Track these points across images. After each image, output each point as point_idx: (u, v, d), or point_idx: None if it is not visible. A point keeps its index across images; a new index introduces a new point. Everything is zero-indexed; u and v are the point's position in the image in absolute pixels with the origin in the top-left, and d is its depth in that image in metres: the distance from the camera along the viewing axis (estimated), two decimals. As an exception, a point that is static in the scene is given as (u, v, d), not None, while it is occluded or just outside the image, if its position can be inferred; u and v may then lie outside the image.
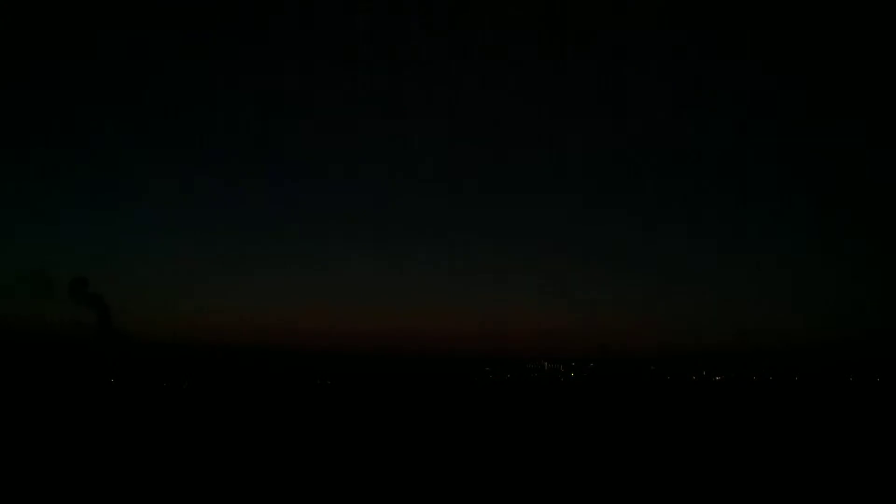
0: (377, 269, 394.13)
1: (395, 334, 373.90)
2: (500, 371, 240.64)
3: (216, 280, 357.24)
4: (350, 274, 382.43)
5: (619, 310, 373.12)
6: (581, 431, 48.34)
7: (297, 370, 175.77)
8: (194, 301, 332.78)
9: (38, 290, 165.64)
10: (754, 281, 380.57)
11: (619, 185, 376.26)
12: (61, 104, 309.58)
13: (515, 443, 40.72)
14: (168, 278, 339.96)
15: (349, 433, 45.46)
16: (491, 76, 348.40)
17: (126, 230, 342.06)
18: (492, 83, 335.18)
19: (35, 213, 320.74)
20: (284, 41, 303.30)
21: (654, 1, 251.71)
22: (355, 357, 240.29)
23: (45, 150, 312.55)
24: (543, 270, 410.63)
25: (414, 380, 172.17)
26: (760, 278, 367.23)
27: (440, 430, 47.89)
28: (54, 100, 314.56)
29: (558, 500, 24.11)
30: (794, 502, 24.05)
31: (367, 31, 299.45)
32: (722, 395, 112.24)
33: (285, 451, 36.17)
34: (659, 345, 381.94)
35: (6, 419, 48.83)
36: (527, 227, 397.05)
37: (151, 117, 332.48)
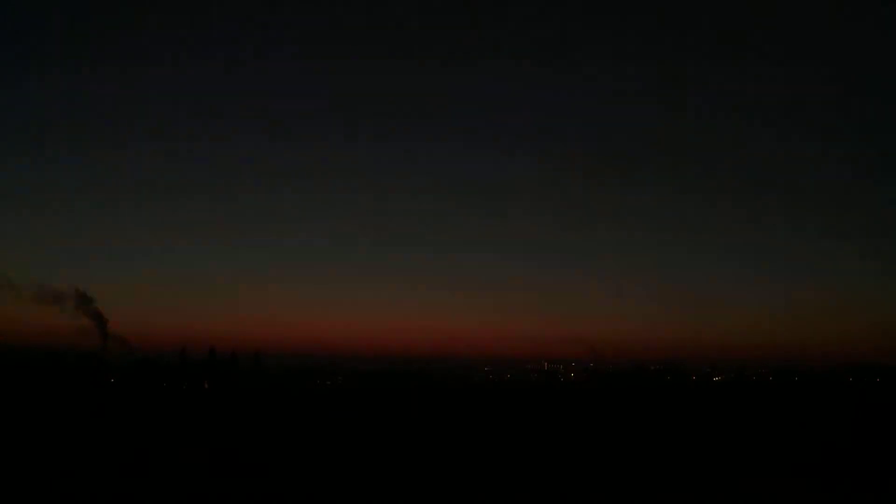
0: (376, 270, 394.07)
1: (394, 334, 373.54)
2: (499, 371, 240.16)
3: (214, 282, 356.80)
4: (348, 275, 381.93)
5: (619, 309, 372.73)
6: (582, 431, 48.27)
7: (296, 371, 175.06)
8: (192, 303, 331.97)
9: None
10: (754, 279, 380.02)
11: (618, 183, 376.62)
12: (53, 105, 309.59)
13: (517, 443, 40.66)
14: (163, 281, 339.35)
15: (350, 434, 45.37)
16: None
17: (119, 234, 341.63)
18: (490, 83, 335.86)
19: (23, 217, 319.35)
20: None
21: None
22: (354, 358, 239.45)
23: (33, 153, 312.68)
24: (543, 270, 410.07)
25: (413, 379, 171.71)
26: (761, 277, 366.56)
27: (441, 430, 47.80)
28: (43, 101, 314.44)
29: (560, 500, 24.03)
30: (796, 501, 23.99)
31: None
32: (722, 396, 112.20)
33: (287, 450, 36.09)
34: (659, 345, 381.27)
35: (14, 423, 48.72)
36: (526, 226, 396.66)
37: (147, 124, 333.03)
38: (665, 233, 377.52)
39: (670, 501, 24.23)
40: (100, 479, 26.43)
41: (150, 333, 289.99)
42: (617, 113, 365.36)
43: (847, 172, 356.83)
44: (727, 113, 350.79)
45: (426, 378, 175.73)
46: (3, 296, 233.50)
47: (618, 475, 28.18)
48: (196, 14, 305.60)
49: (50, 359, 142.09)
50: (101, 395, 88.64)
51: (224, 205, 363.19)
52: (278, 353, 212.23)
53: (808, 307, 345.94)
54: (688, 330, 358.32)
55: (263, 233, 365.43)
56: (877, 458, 33.52)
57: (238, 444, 39.38)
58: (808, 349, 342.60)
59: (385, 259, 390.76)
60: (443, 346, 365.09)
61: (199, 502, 23.53)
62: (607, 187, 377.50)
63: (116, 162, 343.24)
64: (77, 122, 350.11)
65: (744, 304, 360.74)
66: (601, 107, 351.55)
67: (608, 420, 59.36)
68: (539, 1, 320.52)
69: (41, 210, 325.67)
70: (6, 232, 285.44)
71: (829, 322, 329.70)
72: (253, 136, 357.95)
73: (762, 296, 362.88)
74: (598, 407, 77.96)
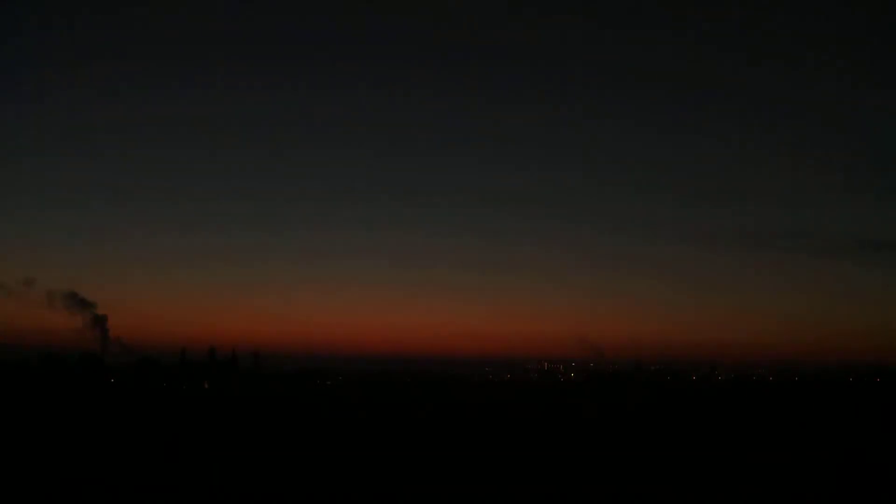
0: (376, 271, 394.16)
1: (394, 334, 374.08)
2: (499, 371, 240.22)
3: (214, 282, 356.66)
4: (348, 275, 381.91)
5: (619, 309, 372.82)
6: (582, 431, 48.28)
7: (296, 371, 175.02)
8: (192, 303, 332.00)
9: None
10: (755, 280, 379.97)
11: (618, 182, 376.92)
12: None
13: (516, 442, 40.68)
14: (163, 281, 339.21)
15: (350, 434, 45.35)
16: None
17: (117, 233, 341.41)
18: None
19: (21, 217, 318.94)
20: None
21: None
22: (353, 358, 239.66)
23: (33, 153, 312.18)
24: (543, 271, 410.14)
25: (413, 380, 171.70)
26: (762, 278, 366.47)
27: (440, 430, 47.78)
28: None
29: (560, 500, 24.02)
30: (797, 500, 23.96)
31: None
32: (722, 396, 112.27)
33: (287, 450, 36.10)
34: (659, 345, 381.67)
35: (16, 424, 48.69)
36: (526, 227, 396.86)
37: (144, 116, 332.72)
38: (665, 233, 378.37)
39: (669, 500, 24.22)
40: (100, 480, 26.42)
41: (150, 333, 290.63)
42: (619, 115, 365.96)
43: (846, 174, 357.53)
44: (731, 116, 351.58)
45: (426, 378, 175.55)
46: (3, 296, 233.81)
47: (617, 474, 28.19)
48: (196, 23, 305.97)
49: (50, 360, 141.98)
50: (101, 396, 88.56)
51: (224, 206, 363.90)
52: (278, 354, 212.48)
53: (808, 307, 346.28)
54: (688, 330, 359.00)
55: (263, 233, 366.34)
56: (877, 457, 33.53)
57: (238, 444, 39.40)
58: (807, 349, 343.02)
59: (385, 260, 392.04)
60: (443, 346, 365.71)
61: (200, 502, 23.53)
62: (609, 187, 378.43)
63: (116, 162, 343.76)
64: (78, 122, 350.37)
65: (744, 305, 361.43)
66: (602, 109, 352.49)
67: (608, 420, 59.37)
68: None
69: (41, 210, 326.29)
70: (6, 232, 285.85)
71: (829, 322, 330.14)
72: (253, 136, 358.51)
73: (762, 296, 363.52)
74: (598, 407, 77.95)
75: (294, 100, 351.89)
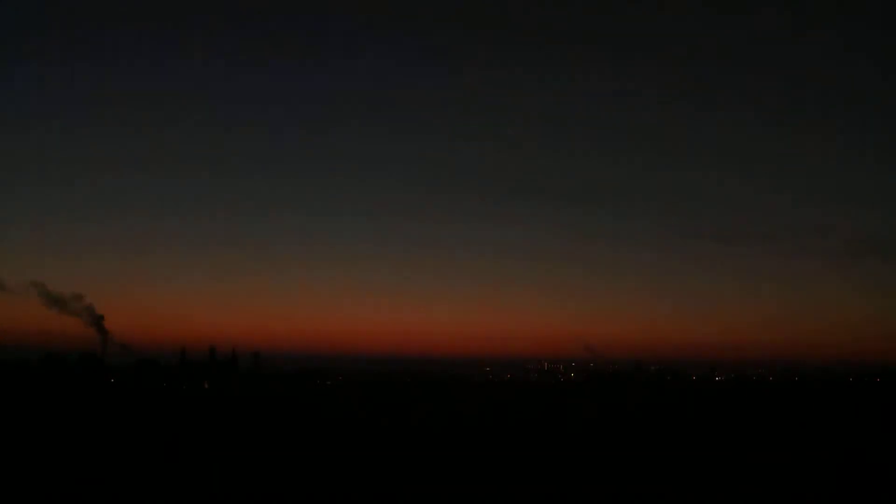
0: (376, 271, 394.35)
1: (395, 334, 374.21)
2: (499, 371, 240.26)
3: (214, 282, 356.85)
4: (347, 276, 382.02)
5: (619, 309, 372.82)
6: (581, 431, 48.28)
7: (296, 371, 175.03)
8: (192, 303, 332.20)
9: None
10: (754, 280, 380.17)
11: (620, 184, 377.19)
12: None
13: (516, 442, 40.68)
14: (163, 281, 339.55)
15: (350, 434, 45.35)
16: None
17: (117, 233, 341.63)
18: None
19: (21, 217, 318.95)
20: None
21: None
22: (354, 358, 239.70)
23: (32, 153, 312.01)
24: (544, 271, 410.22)
25: (413, 379, 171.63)
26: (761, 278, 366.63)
27: (440, 431, 47.79)
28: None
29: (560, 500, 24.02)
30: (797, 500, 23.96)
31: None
32: (722, 396, 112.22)
33: (286, 450, 36.10)
34: (659, 345, 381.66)
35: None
36: (525, 227, 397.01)
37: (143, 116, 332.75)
38: (666, 233, 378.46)
39: (669, 500, 24.23)
40: (100, 480, 26.42)
41: (149, 333, 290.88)
42: (620, 115, 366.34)
43: (847, 175, 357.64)
44: (730, 119, 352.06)
45: (426, 378, 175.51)
46: (3, 297, 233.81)
47: (617, 474, 28.19)
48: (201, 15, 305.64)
49: (50, 360, 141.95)
50: (101, 396, 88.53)
51: (224, 206, 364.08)
52: (278, 354, 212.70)
53: (808, 308, 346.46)
54: (688, 330, 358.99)
55: (264, 233, 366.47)
56: (877, 457, 33.52)
57: (238, 444, 39.41)
58: (807, 349, 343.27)
59: (385, 260, 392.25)
60: (443, 346, 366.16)
61: (200, 502, 23.53)
62: (609, 187, 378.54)
63: (116, 164, 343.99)
64: (77, 122, 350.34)
65: (744, 305, 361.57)
66: (604, 109, 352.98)
67: (608, 420, 59.37)
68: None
69: (41, 211, 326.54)
70: (6, 233, 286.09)
71: (829, 322, 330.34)
72: (254, 138, 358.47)
73: (762, 296, 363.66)
74: (598, 407, 77.95)
75: (297, 92, 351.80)
